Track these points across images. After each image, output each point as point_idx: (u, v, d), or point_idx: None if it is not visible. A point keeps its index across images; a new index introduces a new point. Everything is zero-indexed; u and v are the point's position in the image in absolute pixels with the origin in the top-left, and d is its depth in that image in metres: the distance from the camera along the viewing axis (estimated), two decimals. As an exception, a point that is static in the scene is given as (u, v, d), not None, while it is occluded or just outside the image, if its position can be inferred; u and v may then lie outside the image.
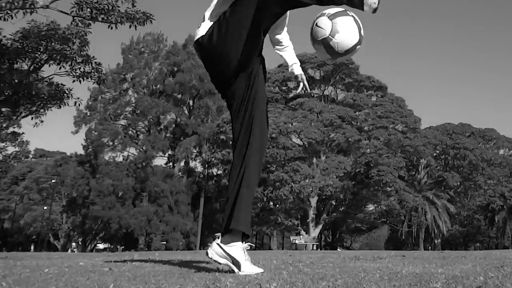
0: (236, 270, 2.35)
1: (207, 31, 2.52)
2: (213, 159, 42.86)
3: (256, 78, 2.57)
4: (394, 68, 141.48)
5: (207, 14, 2.60)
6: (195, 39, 2.58)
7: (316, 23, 2.53)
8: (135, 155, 42.27)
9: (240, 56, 2.47)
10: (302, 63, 32.51)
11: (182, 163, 45.64)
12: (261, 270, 2.44)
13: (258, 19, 2.39)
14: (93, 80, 15.58)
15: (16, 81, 15.50)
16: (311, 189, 36.46)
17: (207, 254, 2.43)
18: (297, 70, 2.99)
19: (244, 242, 2.45)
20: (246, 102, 2.56)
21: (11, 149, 44.05)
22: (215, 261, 2.39)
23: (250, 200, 2.50)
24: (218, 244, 2.41)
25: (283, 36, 3.00)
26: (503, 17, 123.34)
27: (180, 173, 45.19)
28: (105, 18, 13.29)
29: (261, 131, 2.57)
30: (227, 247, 2.39)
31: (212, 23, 2.54)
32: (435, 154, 44.91)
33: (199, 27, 2.59)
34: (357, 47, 2.51)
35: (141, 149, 41.80)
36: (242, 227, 2.45)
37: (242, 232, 2.45)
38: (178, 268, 2.83)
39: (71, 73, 15.37)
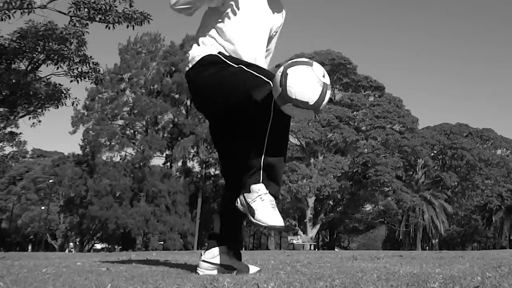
0: (233, 272, 2.35)
1: (200, 70, 2.39)
2: (210, 159, 42.84)
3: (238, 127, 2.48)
4: (392, 68, 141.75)
5: (197, 35, 2.52)
6: (185, 70, 2.46)
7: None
8: (132, 155, 42.19)
9: (229, 105, 2.40)
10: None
11: (180, 163, 45.59)
12: (258, 268, 2.45)
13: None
14: (90, 80, 15.60)
15: (13, 81, 15.49)
16: (308, 189, 36.46)
17: (198, 274, 2.41)
18: None
19: (227, 248, 2.45)
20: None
21: (8, 149, 43.99)
22: (209, 275, 2.37)
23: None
24: (203, 260, 2.44)
25: None
26: (502, 16, 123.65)
27: (177, 173, 45.09)
28: (103, 18, 13.30)
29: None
30: (212, 260, 2.42)
31: (201, 47, 2.43)
32: (432, 154, 44.95)
33: (189, 54, 2.47)
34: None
35: (139, 149, 41.71)
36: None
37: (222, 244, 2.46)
38: (175, 268, 2.83)
39: (69, 73, 15.38)
